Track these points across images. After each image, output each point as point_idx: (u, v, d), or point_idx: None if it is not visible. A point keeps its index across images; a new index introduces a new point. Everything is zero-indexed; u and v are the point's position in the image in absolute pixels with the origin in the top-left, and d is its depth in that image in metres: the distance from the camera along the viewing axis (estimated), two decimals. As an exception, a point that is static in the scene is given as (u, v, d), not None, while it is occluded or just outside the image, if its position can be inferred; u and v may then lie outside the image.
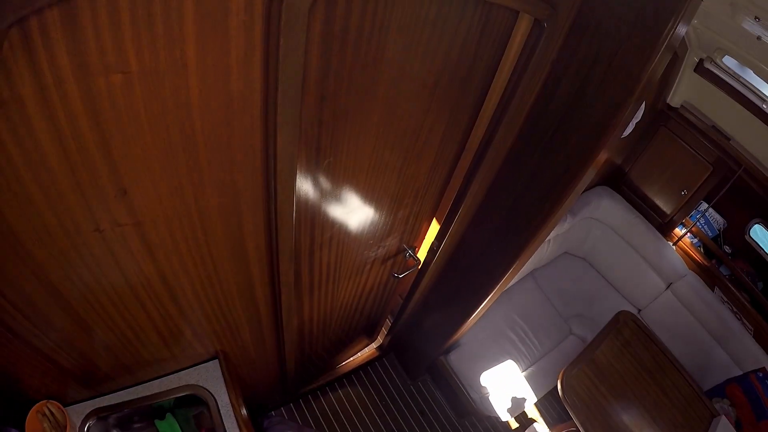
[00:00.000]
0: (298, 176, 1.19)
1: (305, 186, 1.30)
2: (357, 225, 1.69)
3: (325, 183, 1.35)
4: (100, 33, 0.69)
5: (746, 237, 2.86)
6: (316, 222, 1.50)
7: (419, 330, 2.88)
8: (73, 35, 0.67)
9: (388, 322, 3.15)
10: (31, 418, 1.28)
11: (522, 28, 1.32)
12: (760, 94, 2.13)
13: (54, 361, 1.26)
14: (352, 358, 3.09)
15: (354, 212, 1.59)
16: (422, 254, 2.27)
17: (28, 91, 0.69)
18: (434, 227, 2.15)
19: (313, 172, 1.27)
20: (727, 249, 3.00)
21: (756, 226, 2.81)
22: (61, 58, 0.68)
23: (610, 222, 3.30)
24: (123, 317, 1.27)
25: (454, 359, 2.87)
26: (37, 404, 1.32)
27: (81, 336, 1.25)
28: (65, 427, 1.33)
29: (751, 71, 1.97)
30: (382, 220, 1.78)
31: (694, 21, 1.88)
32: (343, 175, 1.38)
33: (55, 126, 0.75)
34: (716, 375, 2.75)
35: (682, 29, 1.21)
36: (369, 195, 1.56)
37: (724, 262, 3.01)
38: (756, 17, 1.37)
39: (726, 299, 2.93)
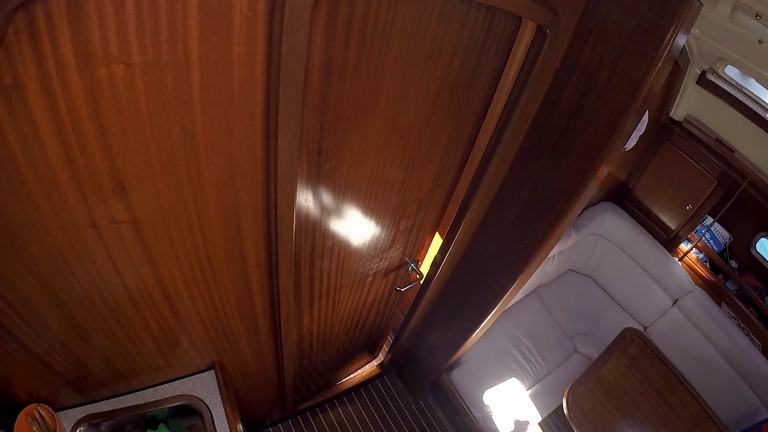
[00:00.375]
0: (298, 180, 1.18)
1: (306, 191, 1.28)
2: (358, 234, 1.67)
3: (326, 188, 1.34)
4: (105, 22, 0.69)
5: (752, 251, 2.82)
6: (316, 229, 1.48)
7: (421, 347, 2.83)
8: (78, 23, 0.67)
9: (390, 339, 3.10)
10: (21, 421, 1.25)
11: (525, 35, 1.33)
12: (763, 104, 2.13)
13: (47, 363, 1.24)
14: (352, 375, 3.02)
15: (355, 221, 1.58)
16: (425, 268, 2.24)
17: (31, 78, 0.69)
18: (437, 241, 2.13)
19: (314, 177, 1.26)
20: (733, 264, 2.95)
21: (762, 239, 2.78)
22: (64, 46, 0.68)
23: (615, 238, 3.27)
24: (118, 321, 1.25)
25: (457, 377, 2.81)
26: (27, 407, 1.29)
27: (75, 339, 1.23)
28: (55, 431, 1.30)
29: (754, 80, 1.97)
30: (385, 230, 1.76)
31: (695, 30, 1.89)
32: (345, 181, 1.37)
33: (55, 115, 0.74)
34: (723, 392, 2.68)
35: (683, 35, 1.21)
36: (371, 203, 1.55)
37: (730, 277, 2.96)
38: (757, 15, 1.37)
39: (733, 315, 2.88)
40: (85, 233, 0.95)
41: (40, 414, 1.30)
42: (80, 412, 1.47)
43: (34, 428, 1.28)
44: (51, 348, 1.20)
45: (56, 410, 1.39)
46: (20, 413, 1.26)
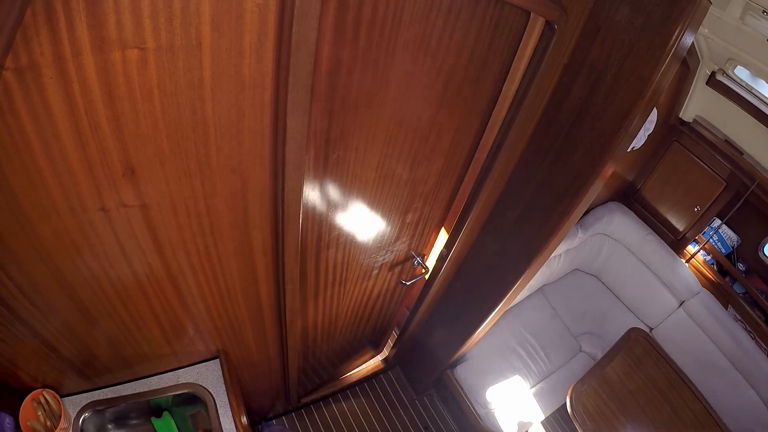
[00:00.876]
0: (306, 168, 1.19)
1: (313, 180, 1.29)
2: (365, 226, 1.68)
3: (333, 178, 1.35)
4: (120, 6, 0.70)
5: (760, 254, 2.79)
6: (323, 219, 1.49)
7: (426, 342, 2.83)
8: (94, 7, 0.68)
9: (395, 334, 3.11)
10: (26, 405, 1.26)
11: (534, 30, 1.33)
12: (772, 105, 2.12)
13: (53, 348, 1.25)
14: (356, 370, 3.04)
15: (362, 212, 1.58)
16: (431, 263, 2.25)
17: (46, 60, 0.70)
18: (443, 235, 2.13)
19: (321, 166, 1.27)
20: (740, 266, 2.93)
21: (770, 243, 2.76)
22: (80, 30, 0.69)
23: (622, 238, 3.25)
24: (125, 306, 1.26)
25: (461, 373, 2.81)
26: (33, 392, 1.30)
27: (82, 324, 1.24)
28: (60, 417, 1.31)
29: (764, 81, 1.96)
30: (391, 222, 1.77)
31: (705, 30, 1.88)
32: (352, 171, 1.37)
33: (68, 97, 0.75)
34: (727, 395, 2.66)
35: (691, 33, 1.21)
36: (377, 195, 1.55)
37: (737, 280, 2.93)
38: (764, 11, 1.37)
39: (740, 318, 2.85)
40: (94, 216, 0.96)
41: (45, 399, 1.31)
42: (85, 398, 1.49)
43: (39, 413, 1.29)
44: (58, 332, 1.21)
45: (62, 396, 1.41)
46: (27, 397, 1.27)
